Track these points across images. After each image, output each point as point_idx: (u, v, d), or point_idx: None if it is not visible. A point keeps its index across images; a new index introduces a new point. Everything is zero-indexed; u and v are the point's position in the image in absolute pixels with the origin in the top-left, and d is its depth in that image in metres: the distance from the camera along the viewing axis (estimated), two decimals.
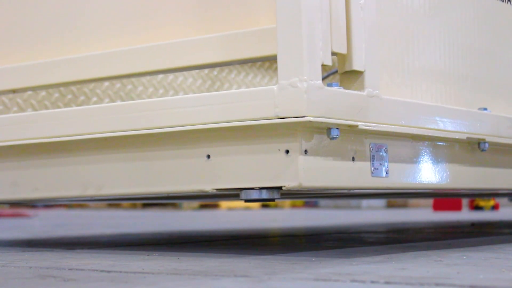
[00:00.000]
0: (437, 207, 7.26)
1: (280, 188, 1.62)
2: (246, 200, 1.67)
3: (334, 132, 1.61)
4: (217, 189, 1.70)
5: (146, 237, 2.73)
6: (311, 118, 1.56)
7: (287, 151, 1.60)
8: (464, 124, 1.96)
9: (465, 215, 5.78)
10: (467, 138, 1.96)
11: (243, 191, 1.67)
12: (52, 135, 1.93)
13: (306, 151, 1.60)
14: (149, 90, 2.80)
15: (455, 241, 2.10)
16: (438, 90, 1.96)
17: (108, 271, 1.41)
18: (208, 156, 1.71)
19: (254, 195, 1.66)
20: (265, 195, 1.65)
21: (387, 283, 1.21)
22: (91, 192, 1.90)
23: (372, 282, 1.22)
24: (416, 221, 4.41)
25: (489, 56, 2.15)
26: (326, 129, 1.61)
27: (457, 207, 7.19)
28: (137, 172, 1.82)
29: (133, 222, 5.00)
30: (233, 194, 1.75)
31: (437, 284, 1.17)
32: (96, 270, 1.43)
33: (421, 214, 6.22)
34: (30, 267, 1.52)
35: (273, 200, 1.65)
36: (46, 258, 1.74)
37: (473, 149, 2.02)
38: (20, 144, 2.00)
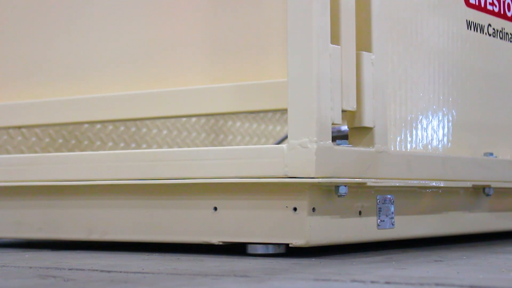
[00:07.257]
0: None
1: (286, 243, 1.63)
2: (252, 255, 1.67)
3: (343, 190, 1.62)
4: (223, 242, 1.70)
5: None
6: (320, 179, 1.57)
7: (295, 209, 1.61)
8: (469, 172, 1.95)
9: None
10: (473, 185, 1.96)
11: (249, 245, 1.68)
12: (58, 178, 1.94)
13: (314, 209, 1.60)
14: (153, 147, 2.79)
15: (455, 241, 2.10)
16: (445, 135, 1.96)
17: (108, 271, 1.41)
18: (215, 208, 1.72)
19: (260, 250, 1.68)
20: (271, 250, 1.67)
21: (387, 283, 1.21)
22: (95, 236, 1.90)
23: (372, 282, 1.22)
24: None
25: (494, 99, 2.14)
26: (335, 187, 1.62)
27: None
28: (143, 220, 1.83)
29: None
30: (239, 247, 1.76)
31: (437, 284, 1.17)
32: (96, 270, 1.43)
33: None
34: (30, 267, 1.52)
35: (279, 255, 1.67)
36: (46, 258, 1.73)
37: (478, 193, 2.03)
38: (26, 185, 2.00)
